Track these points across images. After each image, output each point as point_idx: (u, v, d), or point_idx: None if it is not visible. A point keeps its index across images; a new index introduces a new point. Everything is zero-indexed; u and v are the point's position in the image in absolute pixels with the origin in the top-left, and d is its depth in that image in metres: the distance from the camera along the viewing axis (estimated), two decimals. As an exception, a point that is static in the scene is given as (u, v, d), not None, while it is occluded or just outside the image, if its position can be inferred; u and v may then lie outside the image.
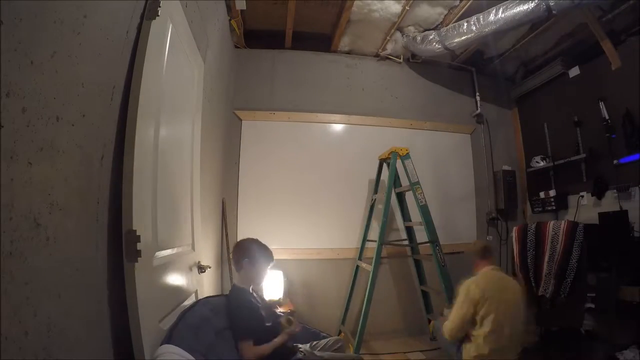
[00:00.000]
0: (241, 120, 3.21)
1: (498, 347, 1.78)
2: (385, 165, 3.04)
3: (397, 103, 3.52)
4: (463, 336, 1.89)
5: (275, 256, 2.86)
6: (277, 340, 1.55)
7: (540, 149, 3.44)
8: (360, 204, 3.24)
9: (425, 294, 2.98)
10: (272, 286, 2.64)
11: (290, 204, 3.12)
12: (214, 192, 2.60)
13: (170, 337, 1.19)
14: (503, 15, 2.45)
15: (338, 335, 2.76)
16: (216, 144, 2.63)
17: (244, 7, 2.73)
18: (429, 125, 3.53)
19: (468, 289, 1.87)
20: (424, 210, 2.66)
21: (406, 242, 3.07)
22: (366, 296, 2.52)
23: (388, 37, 3.26)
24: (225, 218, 2.89)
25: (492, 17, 2.52)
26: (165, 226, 1.34)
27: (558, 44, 3.15)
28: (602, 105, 2.81)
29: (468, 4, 2.74)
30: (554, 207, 3.19)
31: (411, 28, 3.19)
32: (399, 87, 3.56)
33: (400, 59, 3.54)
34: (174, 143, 1.52)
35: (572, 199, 3.07)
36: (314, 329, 1.83)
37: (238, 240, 2.44)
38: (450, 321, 1.90)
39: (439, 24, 3.09)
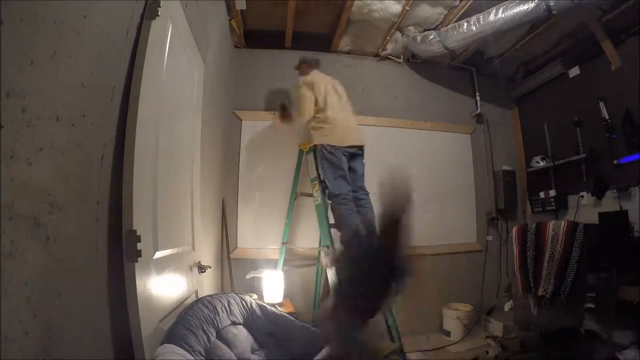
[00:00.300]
0: (241, 120, 3.21)
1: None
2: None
3: (397, 103, 3.52)
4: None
5: (276, 256, 2.89)
6: None
7: (540, 149, 3.44)
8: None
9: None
10: (272, 287, 2.64)
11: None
12: (214, 192, 2.60)
13: (170, 337, 1.19)
14: (503, 15, 2.45)
15: None
16: (216, 144, 2.64)
17: (244, 7, 2.73)
18: (429, 125, 3.53)
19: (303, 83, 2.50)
20: (318, 209, 2.45)
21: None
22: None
23: (388, 37, 3.26)
24: (225, 218, 2.89)
25: (492, 17, 2.52)
26: (165, 226, 1.34)
27: (558, 44, 3.15)
28: (602, 105, 2.81)
29: (468, 4, 2.74)
30: (554, 207, 3.19)
31: (411, 28, 3.19)
32: (399, 87, 3.56)
33: (400, 59, 3.54)
34: (174, 143, 1.52)
35: (572, 199, 3.07)
36: (314, 328, 1.82)
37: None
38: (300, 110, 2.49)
39: (439, 24, 3.09)
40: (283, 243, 2.85)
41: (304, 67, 2.77)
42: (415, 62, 3.60)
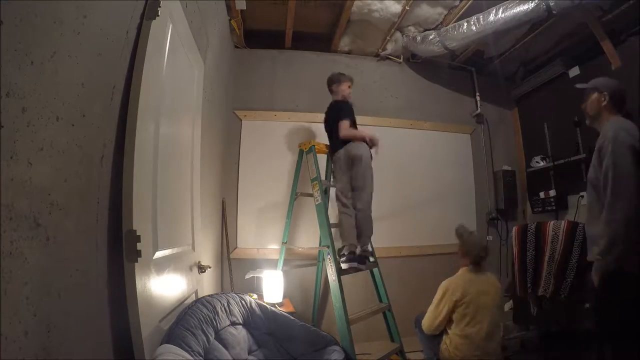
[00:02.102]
0: (241, 120, 3.21)
1: (474, 348, 1.87)
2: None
3: (397, 103, 3.52)
4: (440, 331, 2.02)
5: (276, 256, 2.89)
6: (365, 132, 2.44)
7: (540, 149, 3.44)
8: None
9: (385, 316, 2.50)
10: (272, 287, 2.64)
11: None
12: (214, 192, 2.60)
13: (170, 337, 1.19)
14: (503, 15, 2.45)
15: None
16: (216, 144, 2.64)
17: (244, 7, 2.73)
18: (429, 125, 3.53)
19: (447, 288, 1.98)
20: (319, 209, 2.44)
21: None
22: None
23: (388, 37, 3.26)
24: (225, 218, 2.89)
25: (492, 17, 2.52)
26: (165, 226, 1.34)
27: (558, 44, 3.15)
28: (602, 105, 2.80)
29: (468, 4, 2.74)
30: (554, 207, 3.19)
31: (411, 28, 3.19)
32: (399, 87, 3.56)
33: (400, 59, 3.54)
34: (174, 143, 1.53)
35: (572, 199, 3.07)
36: (314, 327, 1.83)
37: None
38: (427, 318, 2.04)
39: (439, 24, 3.09)
40: (283, 243, 2.85)
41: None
42: (415, 62, 3.60)
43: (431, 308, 2.05)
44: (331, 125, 2.54)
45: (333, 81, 2.66)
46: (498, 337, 1.97)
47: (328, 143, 2.66)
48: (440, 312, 1.98)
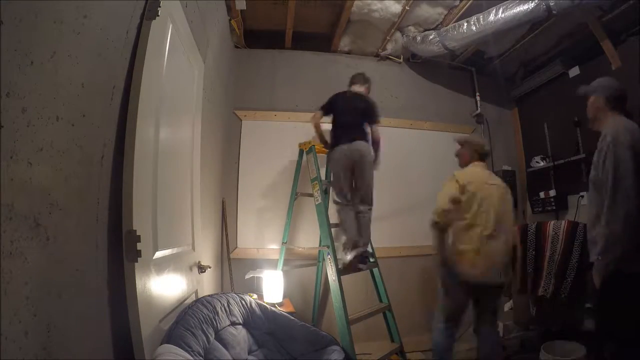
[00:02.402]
0: (241, 120, 3.21)
1: (480, 244, 1.91)
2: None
3: (397, 103, 3.52)
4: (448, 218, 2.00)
5: (276, 256, 2.89)
6: None
7: (540, 149, 3.44)
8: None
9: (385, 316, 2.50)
10: (272, 287, 2.64)
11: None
12: (214, 192, 2.60)
13: (169, 337, 1.19)
14: (503, 15, 2.46)
15: None
16: (216, 144, 2.64)
17: (244, 7, 2.73)
18: (429, 125, 3.53)
19: (454, 175, 2.08)
20: (319, 209, 2.43)
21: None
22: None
23: (388, 37, 3.26)
24: (225, 218, 2.89)
25: (492, 17, 2.52)
26: (165, 226, 1.34)
27: (558, 44, 3.15)
28: (602, 105, 2.80)
29: (468, 4, 2.74)
30: (554, 207, 3.19)
31: (411, 28, 3.19)
32: (398, 87, 3.56)
33: (400, 59, 3.54)
34: (174, 143, 1.53)
35: (572, 199, 3.07)
36: (314, 327, 1.82)
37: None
38: (437, 203, 2.05)
39: (439, 24, 3.09)
40: (283, 243, 2.85)
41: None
42: (415, 62, 3.60)
43: (440, 193, 2.08)
44: (359, 118, 2.44)
45: (369, 81, 2.72)
46: (506, 240, 1.98)
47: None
48: (447, 192, 2.02)
